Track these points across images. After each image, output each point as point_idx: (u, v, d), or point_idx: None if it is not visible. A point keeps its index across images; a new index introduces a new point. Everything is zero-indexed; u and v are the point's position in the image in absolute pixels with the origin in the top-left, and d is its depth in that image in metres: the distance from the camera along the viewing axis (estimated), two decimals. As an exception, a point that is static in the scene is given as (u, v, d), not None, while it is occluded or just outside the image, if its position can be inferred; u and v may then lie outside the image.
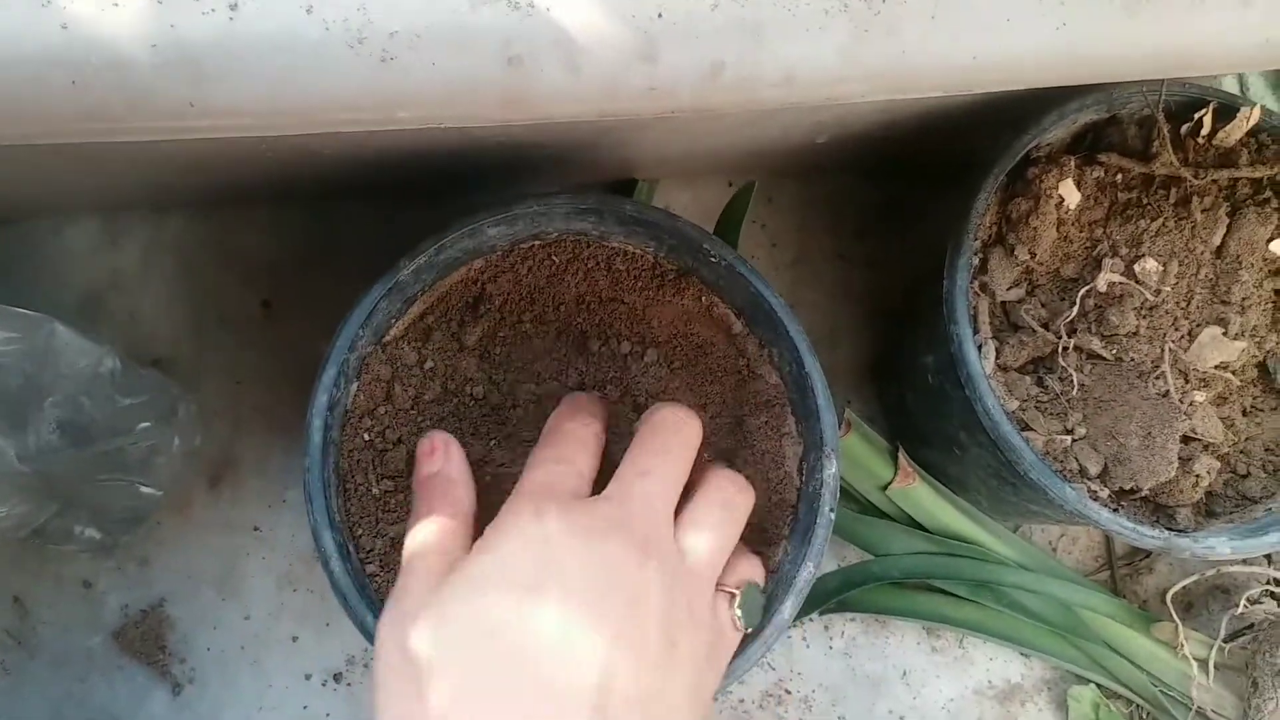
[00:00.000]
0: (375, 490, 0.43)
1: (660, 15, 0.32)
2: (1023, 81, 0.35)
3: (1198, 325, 0.46)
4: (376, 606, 0.40)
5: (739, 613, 0.37)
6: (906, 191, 0.62)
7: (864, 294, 0.62)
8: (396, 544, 0.42)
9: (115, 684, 0.55)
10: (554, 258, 0.46)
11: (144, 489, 0.47)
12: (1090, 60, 0.35)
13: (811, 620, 0.58)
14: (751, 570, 0.39)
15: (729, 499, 0.37)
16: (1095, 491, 0.45)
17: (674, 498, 0.36)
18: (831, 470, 0.43)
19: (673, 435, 0.37)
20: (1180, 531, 0.45)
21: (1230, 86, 0.59)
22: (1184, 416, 0.44)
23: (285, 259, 0.58)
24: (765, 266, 0.61)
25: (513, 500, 0.34)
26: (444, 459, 0.37)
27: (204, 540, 0.56)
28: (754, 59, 0.33)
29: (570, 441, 0.37)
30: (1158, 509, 0.46)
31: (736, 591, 0.37)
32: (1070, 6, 0.34)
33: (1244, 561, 0.59)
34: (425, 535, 0.35)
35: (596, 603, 0.31)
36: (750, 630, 0.39)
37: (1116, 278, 0.45)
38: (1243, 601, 0.57)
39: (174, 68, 0.30)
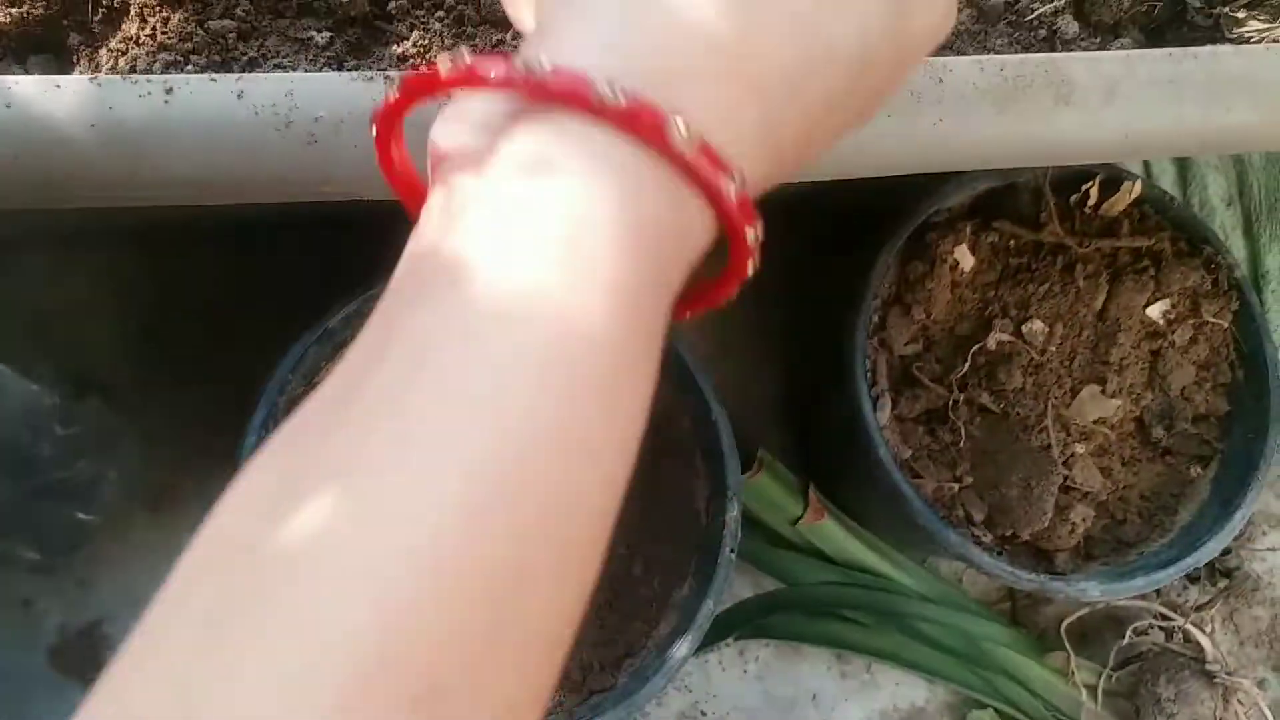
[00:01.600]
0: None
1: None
2: (903, 169, 0.39)
3: (1079, 383, 0.50)
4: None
5: None
6: (831, 237, 0.65)
7: (787, 333, 0.65)
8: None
9: (53, 703, 0.56)
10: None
11: (81, 516, 0.49)
12: (964, 151, 0.38)
13: (727, 645, 0.61)
14: None
15: None
16: (979, 537, 0.48)
17: None
18: (733, 514, 0.46)
19: None
20: (1057, 575, 0.49)
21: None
22: (1062, 469, 0.48)
23: (234, 288, 0.59)
24: (694, 306, 0.64)
25: None
26: None
27: (144, 562, 0.57)
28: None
29: None
30: (1038, 553, 0.50)
31: None
32: (946, 104, 0.37)
33: (1131, 595, 0.63)
34: None
35: None
36: None
37: (1005, 337, 0.49)
38: (1129, 633, 0.60)
39: (112, 145, 0.33)
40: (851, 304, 0.48)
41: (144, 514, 0.58)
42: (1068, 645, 0.61)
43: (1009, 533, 0.48)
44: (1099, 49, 0.41)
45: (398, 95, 0.22)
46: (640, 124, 0.19)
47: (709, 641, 0.60)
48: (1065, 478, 0.48)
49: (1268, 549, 0.67)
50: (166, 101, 0.33)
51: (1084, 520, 0.49)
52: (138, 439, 0.54)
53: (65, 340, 0.58)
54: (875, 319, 0.49)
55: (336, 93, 0.33)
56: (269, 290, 0.60)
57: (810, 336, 0.64)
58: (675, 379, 0.49)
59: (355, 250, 0.59)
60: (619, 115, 0.19)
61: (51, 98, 0.32)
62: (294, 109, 0.33)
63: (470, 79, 0.20)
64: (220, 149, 0.33)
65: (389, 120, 0.23)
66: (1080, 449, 0.49)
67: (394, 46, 0.36)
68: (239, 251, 0.60)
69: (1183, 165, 0.62)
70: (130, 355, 0.58)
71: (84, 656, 0.56)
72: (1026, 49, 0.40)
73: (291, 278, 0.60)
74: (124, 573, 0.57)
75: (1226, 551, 0.65)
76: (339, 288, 0.58)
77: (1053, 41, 0.40)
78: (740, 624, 0.60)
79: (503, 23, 0.37)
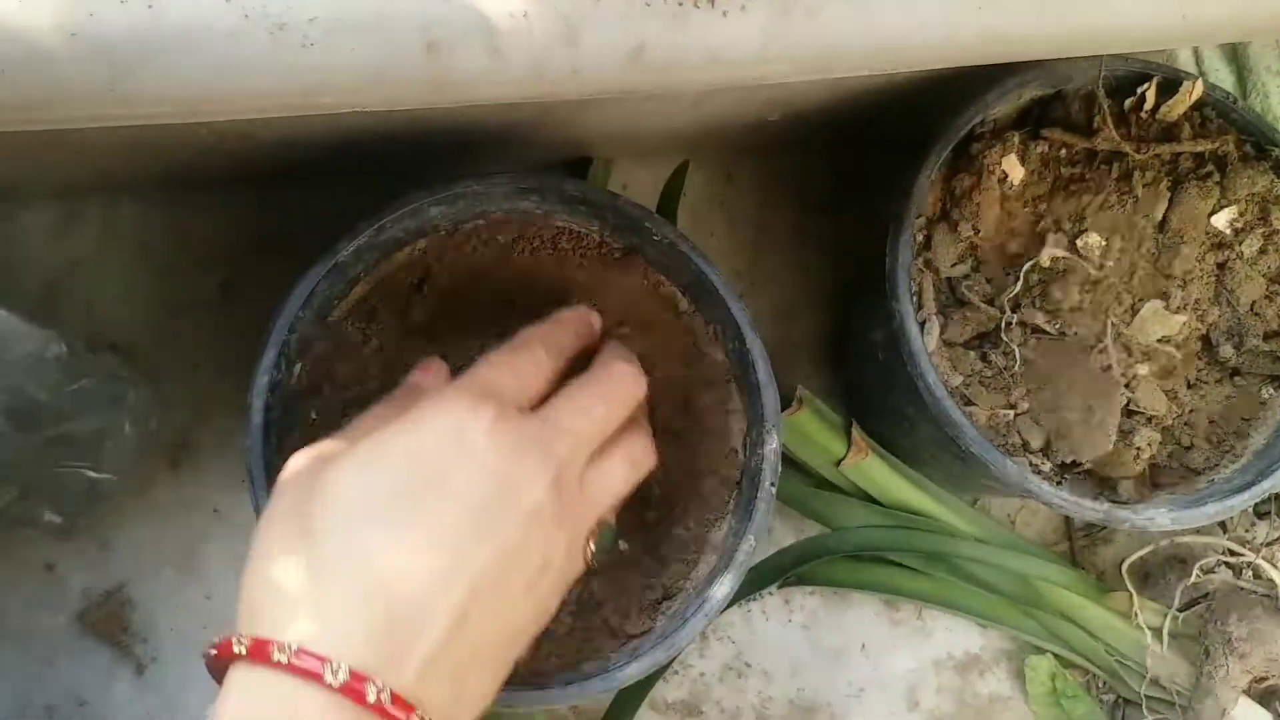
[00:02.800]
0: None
1: (579, -2, 0.32)
2: (943, 61, 0.36)
3: (1140, 299, 0.46)
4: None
5: (593, 548, 0.37)
6: (864, 166, 0.62)
7: (822, 269, 0.62)
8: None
9: (79, 664, 0.55)
10: (499, 236, 0.47)
11: (92, 474, 0.48)
12: (1009, 39, 0.35)
13: (771, 594, 0.59)
14: (611, 513, 0.39)
15: (638, 459, 0.38)
16: (1037, 465, 0.45)
17: (596, 444, 0.37)
18: (773, 445, 0.43)
19: (619, 388, 0.38)
20: (1122, 503, 0.46)
21: (1185, 58, 0.59)
22: (1125, 390, 0.45)
23: (241, 243, 0.58)
24: (725, 243, 0.62)
25: (457, 384, 0.35)
26: (422, 375, 0.40)
27: (164, 522, 0.56)
28: (675, 41, 0.33)
29: (529, 357, 0.38)
30: (1101, 481, 0.47)
31: (596, 528, 0.37)
32: (991, -15, 0.34)
33: (1197, 531, 0.59)
34: (376, 411, 0.37)
35: (500, 507, 0.32)
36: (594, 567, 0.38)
37: (1060, 253, 0.46)
38: (1195, 571, 0.57)
39: (92, 57, 0.30)
40: (892, 223, 0.45)
41: (164, 471, 0.56)
42: (1129, 585, 0.58)
43: (1069, 460, 0.45)
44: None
45: (212, 658, 0.32)
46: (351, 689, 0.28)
47: (751, 590, 0.58)
48: (1128, 400, 0.45)
49: (1340, 481, 0.64)
50: (150, 7, 0.30)
51: (1149, 445, 0.45)
52: (153, 396, 0.52)
53: (74, 297, 0.57)
54: (920, 238, 0.46)
55: (330, -10, 0.31)
56: (279, 241, 0.58)
57: (850, 271, 0.61)
58: (707, 309, 0.46)
59: (375, 203, 0.57)
60: (340, 690, 0.28)
61: (27, 5, 0.30)
62: (287, 10, 0.31)
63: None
64: (211, 58, 0.31)
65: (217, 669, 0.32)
66: (1143, 370, 0.46)
67: (390, -61, 0.33)
68: (253, 201, 0.58)
69: (1241, 73, 0.58)
70: (141, 311, 0.57)
71: (110, 617, 0.55)
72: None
73: (300, 228, 0.58)
74: (145, 531, 0.56)
75: (1297, 483, 0.62)
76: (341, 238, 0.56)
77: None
78: (783, 571, 0.58)
79: None
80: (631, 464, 0.38)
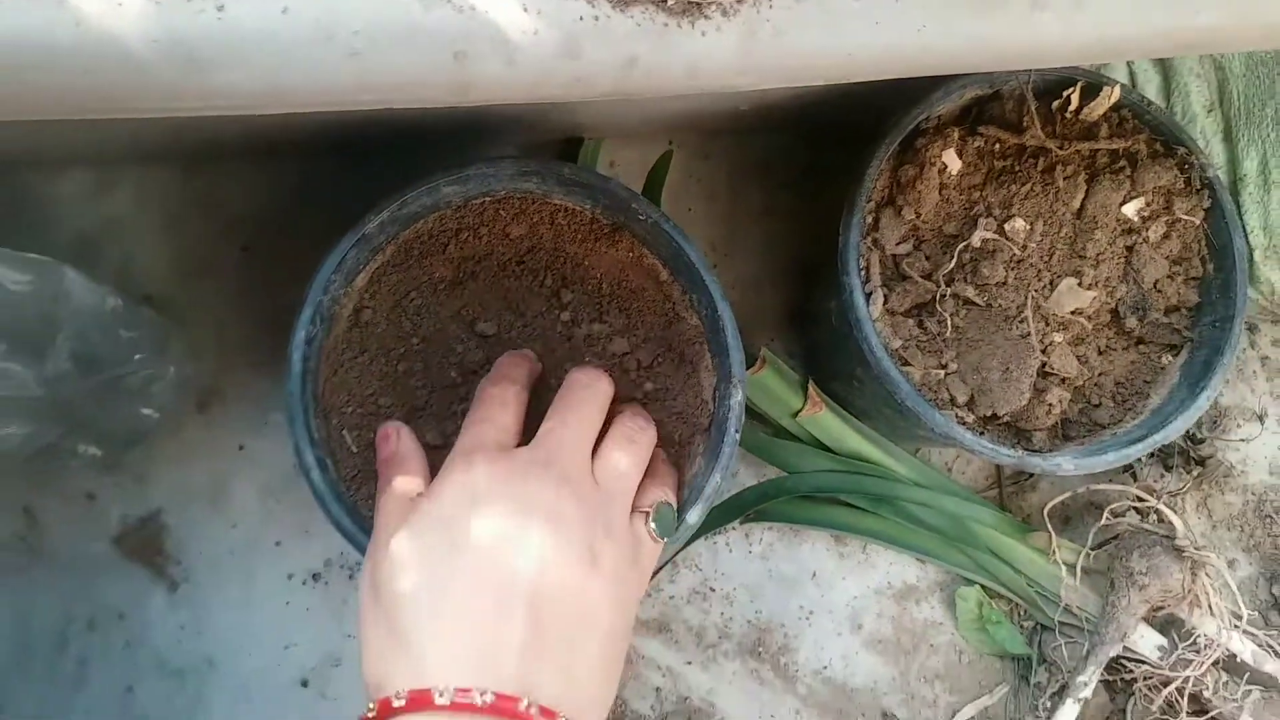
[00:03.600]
0: (348, 409, 0.50)
1: (581, 18, 0.38)
2: (891, 73, 0.42)
3: (1058, 277, 0.53)
4: (352, 510, 0.47)
5: (654, 525, 0.45)
6: (828, 151, 0.68)
7: (790, 244, 0.69)
8: (369, 451, 0.50)
9: (119, 583, 0.62)
10: (502, 212, 0.53)
11: (143, 411, 0.54)
12: (946, 55, 0.41)
13: (733, 529, 0.67)
14: (662, 492, 0.46)
15: (632, 435, 0.45)
16: (962, 417, 0.52)
17: (588, 440, 0.44)
18: (737, 398, 0.50)
19: (585, 390, 0.45)
20: (1034, 451, 0.53)
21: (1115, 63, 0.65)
22: (1040, 354, 0.52)
23: (264, 208, 0.63)
24: (702, 218, 0.68)
25: (449, 460, 0.42)
26: (396, 441, 0.45)
27: (195, 458, 0.63)
28: (661, 56, 0.39)
29: (492, 403, 0.44)
30: (1018, 433, 0.54)
31: (650, 509, 0.45)
32: (929, 10, 0.40)
33: (1110, 480, 0.67)
34: (390, 501, 0.42)
35: (522, 523, 0.39)
36: (667, 540, 0.46)
37: (989, 235, 0.53)
38: (1106, 515, 0.65)
39: (170, 59, 0.36)
40: (845, 206, 0.52)
41: (194, 414, 0.63)
42: (1049, 527, 0.66)
43: (990, 413, 0.52)
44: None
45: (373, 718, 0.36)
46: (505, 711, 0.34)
47: (717, 525, 0.66)
48: (1043, 364, 0.52)
49: (1240, 440, 0.72)
50: (219, 18, 0.36)
51: (1060, 402, 0.53)
52: (186, 343, 0.58)
53: (109, 255, 0.62)
54: (869, 220, 0.53)
55: (370, 7, 0.37)
56: (296, 210, 0.64)
57: (812, 247, 0.68)
58: (685, 279, 0.53)
59: (386, 176, 0.63)
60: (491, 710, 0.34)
61: (116, 15, 0.36)
62: (335, 24, 0.37)
63: (425, 703, 0.35)
64: (269, 61, 0.37)
65: None
66: (1058, 338, 0.53)
67: (423, -36, 0.39)
68: (275, 171, 0.64)
69: (1166, 74, 0.64)
70: (171, 269, 0.63)
71: (146, 542, 0.62)
72: (1006, -42, 0.43)
73: (325, 197, 0.64)
74: (176, 468, 0.63)
75: (1200, 441, 0.70)
76: (370, 202, 0.62)
77: (1031, -49, 0.42)
78: (745, 509, 0.65)
79: None
80: (629, 441, 0.44)
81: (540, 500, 0.39)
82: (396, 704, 0.35)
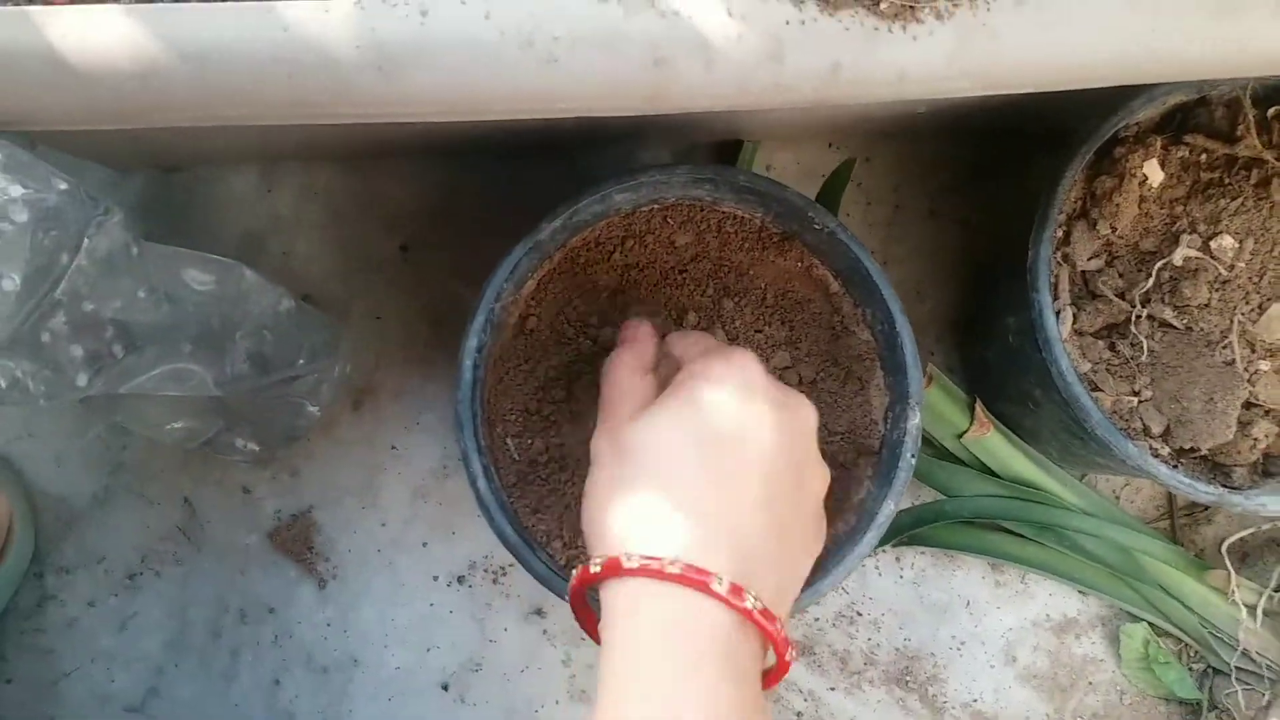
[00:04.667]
0: (511, 417, 0.50)
1: (788, 22, 0.36)
2: (1114, 80, 0.39)
3: (1268, 300, 0.49)
4: (514, 518, 0.46)
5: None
6: (998, 153, 0.65)
7: (953, 250, 0.66)
8: (534, 462, 0.49)
9: (270, 577, 0.63)
10: (670, 219, 0.51)
11: (309, 408, 0.54)
12: (1178, 61, 0.38)
13: (884, 552, 0.64)
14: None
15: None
16: (1156, 449, 0.49)
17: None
18: (915, 421, 0.47)
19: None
20: (1235, 489, 0.49)
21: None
22: (1247, 384, 0.48)
23: (422, 207, 0.63)
24: (860, 222, 0.65)
25: (700, 369, 0.40)
26: (634, 330, 0.44)
27: (347, 456, 0.63)
28: (869, 61, 0.37)
29: (728, 351, 0.42)
30: (1215, 467, 0.50)
31: None
32: (1162, 13, 0.37)
33: (1299, 517, 0.62)
34: (625, 380, 0.41)
35: (772, 422, 0.38)
36: None
37: (1193, 253, 0.49)
38: (1295, 554, 0.61)
39: (373, 64, 0.36)
40: (1036, 218, 0.49)
41: (348, 413, 0.63)
42: (1228, 563, 0.61)
43: (1188, 446, 0.49)
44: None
45: (576, 583, 0.37)
46: (731, 601, 0.33)
47: (869, 547, 0.63)
48: (1249, 393, 0.48)
49: None
50: (422, 23, 0.36)
51: (1266, 436, 0.49)
52: (348, 345, 0.59)
53: (272, 251, 0.63)
54: (1060, 233, 0.49)
55: (573, 13, 0.36)
56: (453, 210, 0.64)
57: (982, 254, 0.65)
58: (858, 292, 0.51)
59: (544, 176, 0.62)
60: (720, 595, 0.33)
61: (321, 20, 0.36)
62: (536, 29, 0.36)
63: (615, 570, 0.35)
64: (469, 66, 0.36)
65: (576, 595, 0.38)
66: (1265, 366, 0.49)
67: (624, -33, 0.38)
68: (435, 170, 0.64)
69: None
70: (331, 265, 0.63)
71: (297, 538, 0.62)
72: (1245, -45, 0.39)
73: (484, 197, 0.64)
74: (329, 465, 0.63)
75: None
76: (520, 210, 0.62)
77: (1273, -53, 0.39)
78: (899, 532, 0.62)
79: None
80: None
81: (780, 405, 0.39)
82: (627, 565, 0.34)
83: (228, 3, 0.37)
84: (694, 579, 0.34)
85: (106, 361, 0.40)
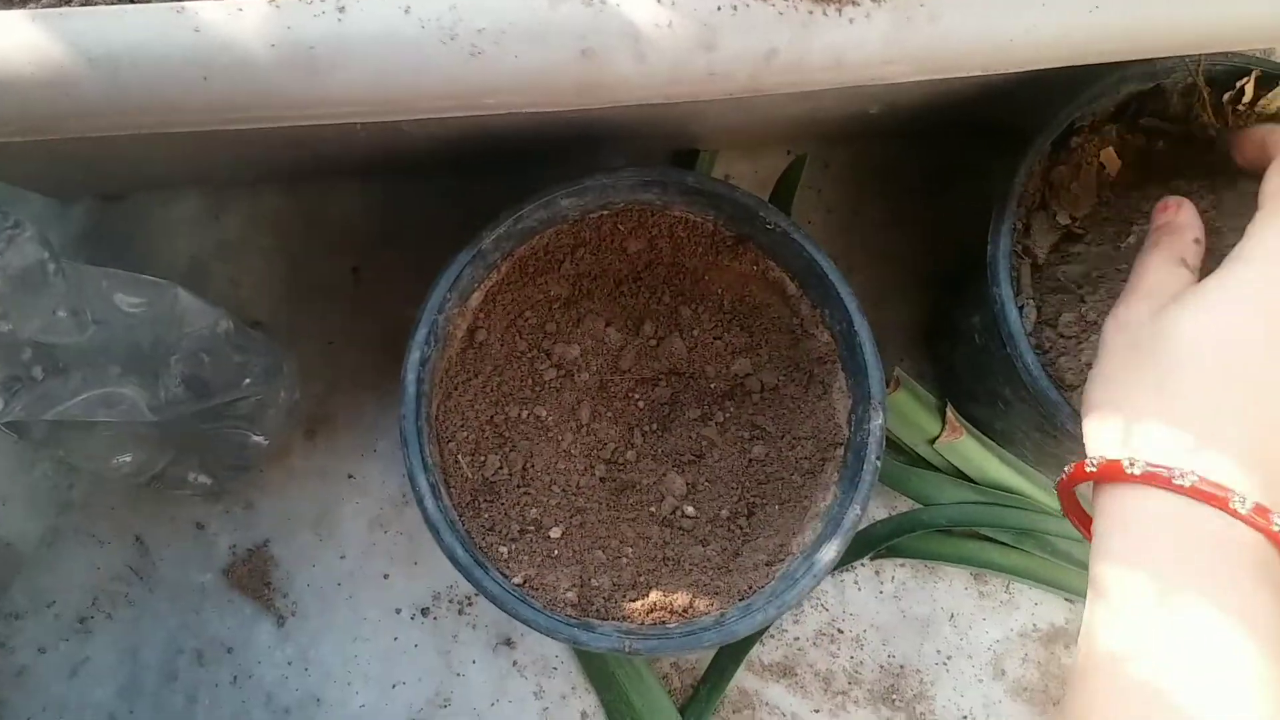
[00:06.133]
0: (462, 433, 0.48)
1: (719, 8, 0.35)
2: (1059, 60, 0.38)
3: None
4: (465, 540, 0.44)
5: None
6: (958, 154, 0.64)
7: (916, 255, 0.65)
8: (489, 481, 0.47)
9: (226, 616, 0.61)
10: (620, 225, 0.50)
11: (254, 437, 0.52)
12: (1123, 39, 0.37)
13: (863, 565, 0.62)
14: None
15: None
16: (1131, 443, 0.47)
17: None
18: (878, 421, 0.46)
19: None
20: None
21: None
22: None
23: (373, 229, 0.62)
24: (821, 230, 0.64)
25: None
26: (1177, 211, 0.40)
27: (302, 486, 0.61)
28: (804, 46, 0.36)
29: None
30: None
31: None
32: (1104, -13, 0.36)
33: None
34: (1159, 259, 0.38)
35: None
36: None
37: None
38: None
39: (291, 63, 0.35)
40: (994, 212, 0.47)
41: (301, 442, 0.61)
42: (1216, 564, 0.60)
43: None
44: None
45: (1065, 479, 0.36)
46: (1255, 520, 0.30)
47: (845, 561, 0.61)
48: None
49: None
50: (340, 20, 0.34)
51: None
52: (296, 367, 0.57)
53: (220, 276, 0.62)
54: (1019, 225, 0.48)
55: (496, 4, 0.35)
56: (405, 232, 0.63)
57: (944, 256, 0.64)
58: (815, 293, 0.49)
59: (496, 194, 0.61)
60: (1245, 518, 0.30)
61: (234, 21, 0.34)
62: (458, 22, 0.34)
63: (1115, 474, 0.32)
64: (391, 63, 0.35)
65: (1066, 490, 0.37)
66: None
67: (546, -44, 0.37)
68: (384, 191, 0.63)
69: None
70: (281, 290, 0.62)
71: (254, 573, 0.60)
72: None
73: (435, 216, 0.62)
74: (284, 497, 0.61)
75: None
76: (474, 228, 0.60)
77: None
78: (876, 544, 0.60)
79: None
80: None
81: None
82: (1130, 470, 0.32)
83: (135, 4, 0.35)
84: (1210, 494, 0.30)
85: (24, 384, 0.39)
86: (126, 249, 0.61)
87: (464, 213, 0.62)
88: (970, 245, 0.55)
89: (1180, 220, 0.39)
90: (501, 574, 0.45)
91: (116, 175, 0.59)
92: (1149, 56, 0.40)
